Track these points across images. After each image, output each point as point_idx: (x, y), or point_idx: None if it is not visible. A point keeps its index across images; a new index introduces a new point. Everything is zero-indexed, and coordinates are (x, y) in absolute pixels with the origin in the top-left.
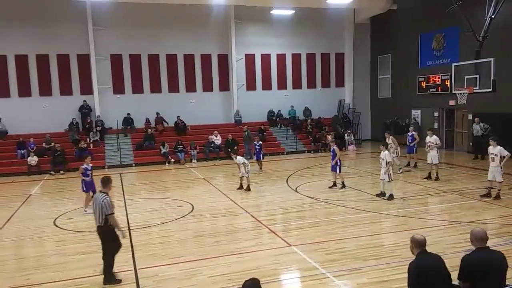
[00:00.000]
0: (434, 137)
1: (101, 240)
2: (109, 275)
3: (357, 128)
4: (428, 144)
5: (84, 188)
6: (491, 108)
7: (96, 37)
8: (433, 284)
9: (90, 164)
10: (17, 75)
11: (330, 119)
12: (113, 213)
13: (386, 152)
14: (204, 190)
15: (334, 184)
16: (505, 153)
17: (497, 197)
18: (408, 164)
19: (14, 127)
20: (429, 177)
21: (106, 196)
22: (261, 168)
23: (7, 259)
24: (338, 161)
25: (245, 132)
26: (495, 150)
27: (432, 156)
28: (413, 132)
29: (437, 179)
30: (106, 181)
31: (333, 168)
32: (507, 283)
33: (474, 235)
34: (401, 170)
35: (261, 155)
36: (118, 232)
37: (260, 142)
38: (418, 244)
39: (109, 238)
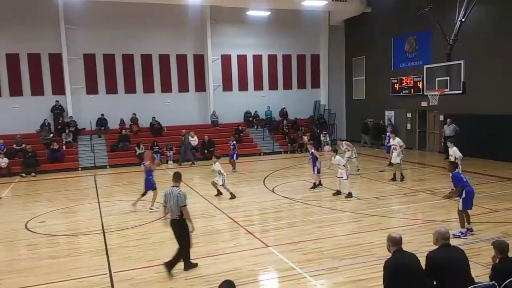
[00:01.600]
0: (397, 139)
1: (177, 233)
2: (188, 261)
3: (332, 129)
4: (392, 147)
5: (153, 186)
6: (462, 109)
7: (69, 36)
8: (408, 281)
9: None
10: None
11: (306, 120)
12: (186, 205)
13: (338, 157)
14: None
15: (315, 185)
16: (458, 154)
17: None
18: (391, 164)
19: None
20: (394, 178)
21: (181, 189)
22: (234, 168)
23: None
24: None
25: (183, 136)
26: (451, 151)
27: (394, 157)
28: (391, 133)
29: (402, 179)
30: (178, 176)
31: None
32: (476, 280)
33: (439, 234)
34: (359, 171)
35: (235, 155)
36: (189, 225)
37: (234, 142)
38: (394, 242)
39: (186, 230)
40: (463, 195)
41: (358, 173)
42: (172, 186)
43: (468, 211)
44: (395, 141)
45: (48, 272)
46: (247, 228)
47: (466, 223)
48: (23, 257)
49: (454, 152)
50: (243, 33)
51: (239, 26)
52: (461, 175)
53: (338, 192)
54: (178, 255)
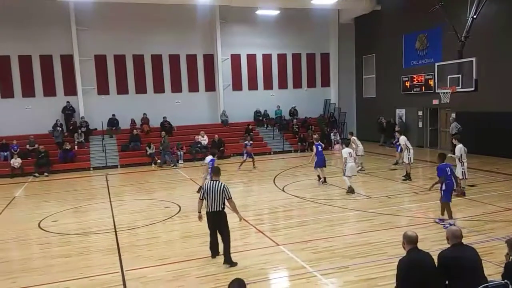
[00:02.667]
0: (402, 137)
1: (219, 224)
2: (230, 257)
3: (342, 128)
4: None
5: None
6: (474, 107)
7: (80, 38)
8: (422, 281)
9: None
10: None
11: (316, 119)
12: (231, 198)
13: (344, 149)
14: (191, 191)
15: (324, 180)
16: (458, 153)
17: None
18: (396, 163)
19: None
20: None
21: (223, 183)
22: (254, 166)
23: None
24: (315, 157)
25: (163, 138)
26: (456, 148)
27: (404, 156)
28: (397, 132)
29: (405, 179)
30: (218, 170)
31: (318, 165)
32: (489, 279)
33: (451, 233)
34: (359, 167)
35: (245, 155)
36: (238, 215)
37: (251, 142)
38: (410, 241)
39: (226, 221)
40: (443, 187)
41: (359, 170)
42: (212, 180)
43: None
44: (401, 139)
45: (60, 271)
46: (258, 227)
47: (441, 214)
48: (36, 255)
49: (457, 149)
50: (252, 32)
51: (249, 26)
52: (447, 169)
53: (349, 189)
54: (225, 248)
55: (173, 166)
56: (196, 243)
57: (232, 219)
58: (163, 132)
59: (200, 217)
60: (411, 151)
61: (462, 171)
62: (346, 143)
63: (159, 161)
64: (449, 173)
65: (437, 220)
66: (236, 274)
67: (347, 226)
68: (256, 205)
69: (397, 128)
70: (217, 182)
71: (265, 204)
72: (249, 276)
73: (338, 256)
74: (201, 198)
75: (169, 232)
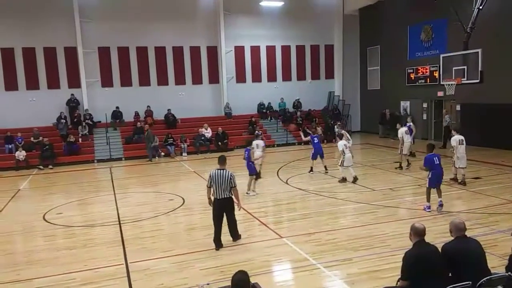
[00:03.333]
0: (401, 129)
1: (226, 210)
2: (237, 232)
3: (347, 120)
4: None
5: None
6: (479, 98)
7: (83, 30)
8: (427, 273)
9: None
10: (3, 68)
11: (320, 111)
12: (236, 186)
13: (340, 142)
14: (195, 183)
15: (325, 168)
16: (453, 144)
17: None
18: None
19: (1, 121)
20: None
21: (230, 172)
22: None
23: None
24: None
25: (146, 131)
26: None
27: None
28: (410, 123)
29: (398, 167)
30: (224, 159)
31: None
32: (493, 271)
33: (454, 226)
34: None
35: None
36: (237, 202)
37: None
38: (416, 233)
39: (233, 206)
40: (430, 176)
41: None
42: (218, 169)
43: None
44: (399, 131)
45: (65, 263)
46: (261, 219)
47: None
48: (41, 247)
49: (452, 140)
50: (256, 24)
51: (252, 17)
52: (435, 158)
53: (355, 179)
54: (234, 228)
55: (149, 160)
56: (200, 235)
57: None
58: (146, 125)
59: (210, 203)
60: (406, 144)
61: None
62: (340, 135)
63: (163, 153)
64: (436, 162)
65: (425, 207)
66: (240, 266)
67: (351, 219)
68: (260, 197)
69: (409, 120)
70: (224, 170)
71: (268, 197)
72: (252, 268)
73: (341, 249)
74: (208, 186)
75: (173, 224)
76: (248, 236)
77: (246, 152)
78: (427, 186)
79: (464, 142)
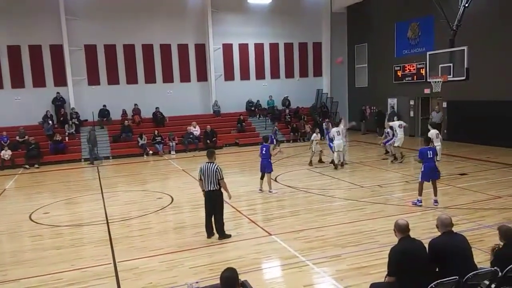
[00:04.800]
0: (395, 123)
1: (213, 203)
2: (223, 232)
3: (335, 117)
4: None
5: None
6: (465, 95)
7: (69, 27)
8: (413, 268)
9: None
10: None
11: (309, 109)
12: (223, 178)
13: (333, 128)
14: (184, 182)
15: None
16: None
17: None
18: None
19: None
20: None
21: (217, 165)
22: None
23: None
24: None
25: (89, 133)
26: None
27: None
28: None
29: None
30: (212, 153)
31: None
32: (479, 266)
33: (441, 221)
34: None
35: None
36: (227, 194)
37: (276, 128)
38: (400, 229)
39: (221, 200)
40: (422, 169)
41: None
42: (207, 163)
43: (426, 183)
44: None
45: (52, 263)
46: (250, 217)
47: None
48: (27, 248)
49: (429, 134)
50: (244, 21)
51: (241, 15)
52: (429, 152)
53: (341, 164)
54: (220, 225)
55: (94, 162)
56: (189, 233)
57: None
58: (89, 126)
59: (204, 195)
60: (400, 136)
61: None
62: (337, 123)
63: (151, 152)
64: (429, 156)
65: (416, 201)
66: (229, 263)
67: (339, 216)
68: (249, 195)
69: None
70: (211, 164)
71: (257, 194)
72: (242, 266)
73: (330, 245)
74: (199, 179)
75: (161, 223)
76: (237, 234)
77: (264, 148)
78: (420, 180)
79: (440, 136)
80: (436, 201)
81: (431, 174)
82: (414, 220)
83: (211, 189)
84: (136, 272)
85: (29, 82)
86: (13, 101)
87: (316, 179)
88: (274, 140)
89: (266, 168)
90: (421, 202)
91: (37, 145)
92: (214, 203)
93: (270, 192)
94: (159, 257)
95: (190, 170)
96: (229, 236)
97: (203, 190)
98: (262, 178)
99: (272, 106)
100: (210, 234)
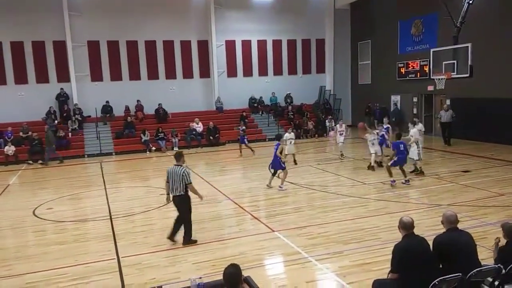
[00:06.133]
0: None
1: (181, 209)
2: (189, 238)
3: (338, 114)
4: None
5: (282, 166)
6: (468, 93)
7: (72, 23)
8: (416, 265)
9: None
10: None
11: (311, 105)
12: (191, 183)
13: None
14: None
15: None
16: (417, 136)
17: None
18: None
19: None
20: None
21: (185, 168)
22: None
23: None
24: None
25: (47, 132)
26: (411, 131)
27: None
28: (388, 126)
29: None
30: (180, 155)
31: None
32: (483, 263)
33: (446, 218)
34: (342, 156)
35: (245, 140)
36: (198, 195)
37: (244, 127)
38: (404, 226)
39: (188, 206)
40: (396, 159)
41: (341, 158)
42: (175, 165)
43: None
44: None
45: (56, 258)
46: (253, 214)
47: (389, 176)
48: (31, 243)
49: (414, 133)
50: (247, 18)
51: (244, 11)
52: (401, 145)
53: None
54: (178, 226)
55: (59, 162)
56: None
57: (225, 206)
58: (46, 126)
59: (167, 199)
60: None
61: (418, 153)
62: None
63: (154, 148)
64: (401, 149)
65: (390, 182)
66: (232, 260)
67: (342, 212)
68: (251, 192)
69: (385, 121)
70: (179, 167)
71: (260, 191)
72: (244, 262)
73: (333, 242)
74: (167, 181)
75: (164, 219)
76: (240, 230)
77: (276, 147)
78: (389, 164)
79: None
80: (407, 181)
81: (401, 163)
82: (418, 217)
83: (177, 194)
84: (139, 267)
85: (32, 78)
86: (17, 97)
87: (318, 176)
88: (246, 141)
89: (276, 166)
90: (394, 182)
91: (40, 141)
92: (179, 209)
93: (280, 188)
94: (162, 252)
95: (192, 166)
96: (195, 241)
97: (167, 194)
98: (274, 174)
99: (275, 103)
100: (173, 237)
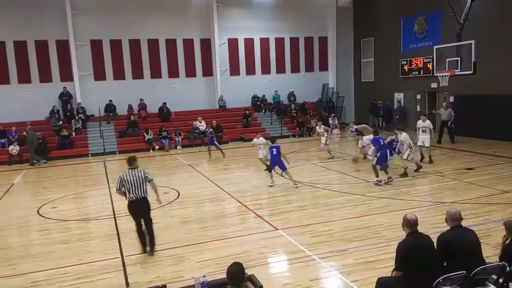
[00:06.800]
0: (428, 122)
1: (145, 212)
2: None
3: (341, 112)
4: (422, 129)
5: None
6: (472, 90)
7: (75, 22)
8: (420, 263)
9: None
10: None
11: (314, 103)
12: (152, 179)
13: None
14: (190, 176)
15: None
16: (409, 141)
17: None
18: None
19: None
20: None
21: (141, 170)
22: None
23: None
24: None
25: (28, 133)
26: (401, 137)
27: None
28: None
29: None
30: (134, 159)
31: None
32: (487, 261)
33: (450, 215)
34: (331, 158)
35: (215, 142)
36: (156, 196)
37: (211, 130)
38: (408, 224)
39: (150, 209)
40: (378, 155)
41: (328, 159)
42: (129, 169)
43: (379, 168)
44: (426, 123)
45: (60, 257)
46: (256, 212)
47: (375, 176)
48: (36, 242)
49: (404, 138)
50: (249, 16)
51: (246, 9)
52: (380, 140)
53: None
54: (143, 234)
55: (40, 163)
56: (195, 228)
57: (228, 205)
58: (29, 126)
59: (131, 204)
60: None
61: (408, 154)
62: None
63: (157, 147)
64: (382, 143)
65: (375, 182)
66: (235, 258)
67: (345, 210)
68: (255, 190)
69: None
70: (136, 169)
71: (263, 189)
72: (248, 260)
73: (337, 240)
74: (118, 189)
75: (168, 217)
76: (244, 229)
77: (274, 149)
78: (374, 164)
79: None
80: (391, 177)
81: (385, 161)
82: (422, 215)
83: (142, 196)
84: (143, 266)
85: (35, 77)
86: (20, 96)
87: (322, 174)
88: (215, 141)
89: (281, 167)
90: (380, 182)
91: (44, 140)
92: (145, 211)
93: (295, 185)
94: (166, 251)
95: (196, 165)
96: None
97: (129, 199)
98: (269, 171)
99: (278, 101)
100: (146, 245)
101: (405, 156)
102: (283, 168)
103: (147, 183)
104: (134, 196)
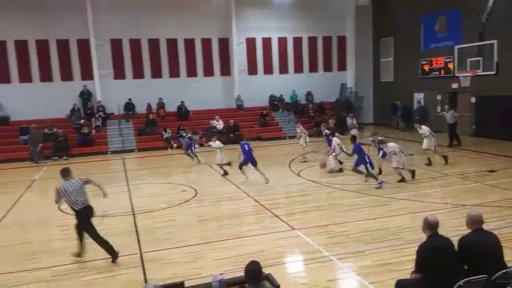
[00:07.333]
0: (424, 128)
1: (87, 222)
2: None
3: (359, 112)
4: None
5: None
6: (494, 90)
7: (96, 22)
8: (440, 266)
9: None
10: (17, 60)
11: (332, 103)
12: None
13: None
14: (207, 175)
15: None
16: (428, 133)
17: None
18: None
19: (16, 113)
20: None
21: (77, 179)
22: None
23: (15, 244)
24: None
25: (32, 133)
26: (421, 131)
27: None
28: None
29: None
30: (67, 171)
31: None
32: (509, 265)
33: (470, 218)
34: (305, 160)
35: (193, 147)
36: (102, 190)
37: (190, 135)
38: (428, 226)
39: (90, 217)
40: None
41: (303, 161)
42: (65, 181)
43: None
44: (423, 130)
45: None
46: (273, 211)
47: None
48: (56, 237)
49: (424, 131)
50: (268, 15)
51: (264, 9)
52: (361, 146)
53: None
54: (106, 242)
55: (38, 161)
56: (212, 226)
57: (245, 204)
58: (33, 124)
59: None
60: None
61: (403, 161)
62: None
63: (175, 145)
64: (362, 149)
65: (376, 185)
66: (252, 257)
67: (363, 211)
68: (272, 189)
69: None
70: (72, 179)
71: (280, 189)
72: (265, 260)
73: (354, 241)
74: (57, 200)
75: (185, 215)
76: (261, 228)
77: (246, 145)
78: (353, 166)
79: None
80: (379, 183)
81: (362, 163)
82: (441, 217)
83: (82, 205)
84: (161, 263)
85: (57, 76)
86: (42, 94)
87: (339, 174)
88: (193, 146)
89: (253, 163)
90: (382, 183)
91: (65, 138)
92: (86, 222)
93: (266, 181)
94: (183, 248)
95: (213, 163)
96: (118, 252)
97: (75, 209)
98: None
99: (295, 101)
100: (115, 255)
101: (393, 165)
102: (255, 163)
103: (84, 189)
104: (80, 205)
